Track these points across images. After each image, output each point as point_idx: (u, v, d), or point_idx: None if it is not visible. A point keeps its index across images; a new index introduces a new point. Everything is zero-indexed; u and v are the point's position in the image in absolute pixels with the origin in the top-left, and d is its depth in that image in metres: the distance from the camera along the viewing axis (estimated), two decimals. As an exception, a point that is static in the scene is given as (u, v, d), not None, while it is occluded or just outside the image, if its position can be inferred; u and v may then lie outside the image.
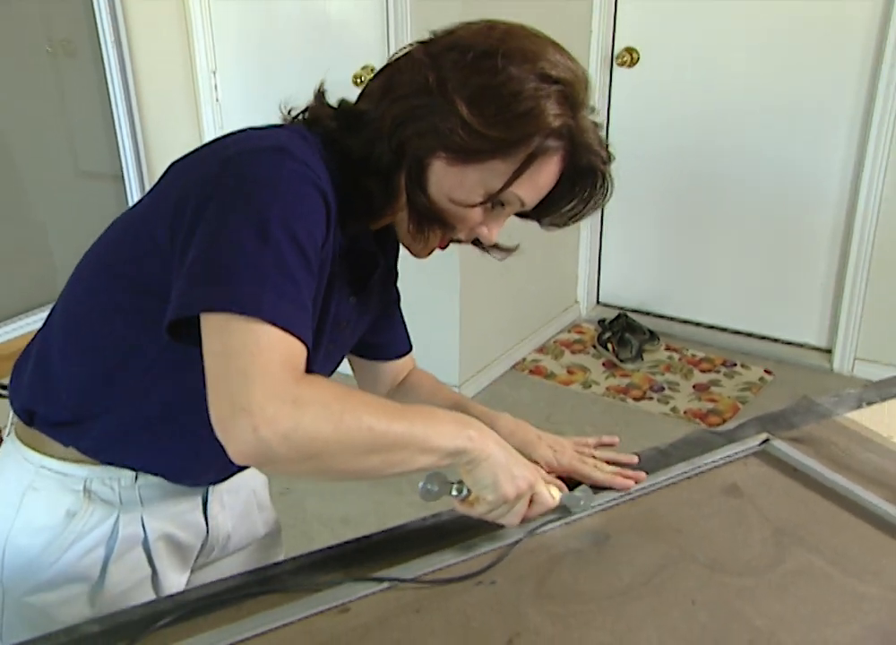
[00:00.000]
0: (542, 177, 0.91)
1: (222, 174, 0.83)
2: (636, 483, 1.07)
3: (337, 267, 0.92)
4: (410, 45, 0.93)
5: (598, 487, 1.06)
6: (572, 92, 0.88)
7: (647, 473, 1.09)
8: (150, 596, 1.03)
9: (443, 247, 0.99)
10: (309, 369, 0.82)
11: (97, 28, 2.58)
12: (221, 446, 0.77)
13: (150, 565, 1.03)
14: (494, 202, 0.92)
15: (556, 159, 0.90)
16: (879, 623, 0.87)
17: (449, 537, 0.98)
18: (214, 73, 2.95)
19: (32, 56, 2.52)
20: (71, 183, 2.72)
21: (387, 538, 1.00)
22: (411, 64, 0.90)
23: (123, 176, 2.77)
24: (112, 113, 2.69)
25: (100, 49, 2.60)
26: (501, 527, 0.97)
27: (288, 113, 0.97)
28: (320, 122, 0.93)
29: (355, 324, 1.04)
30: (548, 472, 1.06)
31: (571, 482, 1.06)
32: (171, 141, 2.92)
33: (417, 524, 1.03)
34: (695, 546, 0.98)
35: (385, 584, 0.92)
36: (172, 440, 0.97)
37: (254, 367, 0.75)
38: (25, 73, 2.51)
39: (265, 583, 0.93)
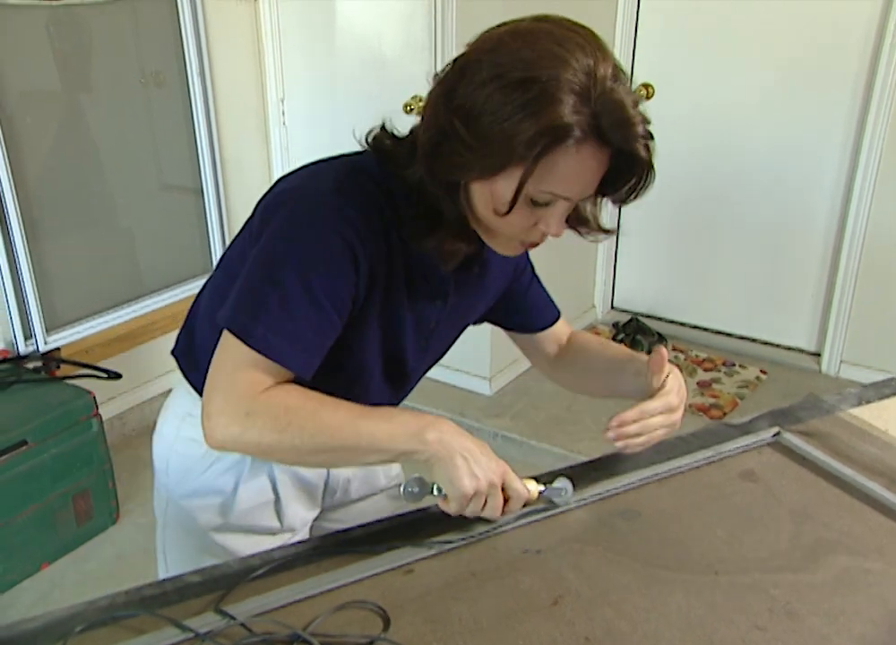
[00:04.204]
0: (564, 170, 0.80)
1: (273, 216, 0.88)
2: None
3: (402, 280, 0.93)
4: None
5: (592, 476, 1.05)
6: (559, 86, 0.76)
7: (671, 458, 1.08)
8: (273, 520, 1.08)
9: (535, 244, 0.91)
10: (401, 364, 0.96)
11: (184, 62, 2.61)
12: None
13: (274, 492, 1.07)
14: (534, 203, 0.83)
15: (572, 150, 0.78)
16: (881, 594, 0.87)
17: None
18: (282, 100, 2.97)
19: (127, 86, 2.54)
20: (156, 195, 2.74)
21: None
22: (430, 93, 0.86)
23: (202, 190, 2.79)
24: (194, 134, 2.72)
25: (186, 80, 2.63)
26: (489, 521, 0.94)
27: (366, 139, 0.93)
28: (385, 154, 0.91)
29: (447, 321, 1.03)
30: None
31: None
32: (244, 160, 2.95)
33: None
34: (716, 523, 0.98)
35: (445, 547, 0.92)
36: None
37: (223, 382, 0.86)
38: (121, 101, 2.54)
39: (340, 545, 0.94)
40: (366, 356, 0.98)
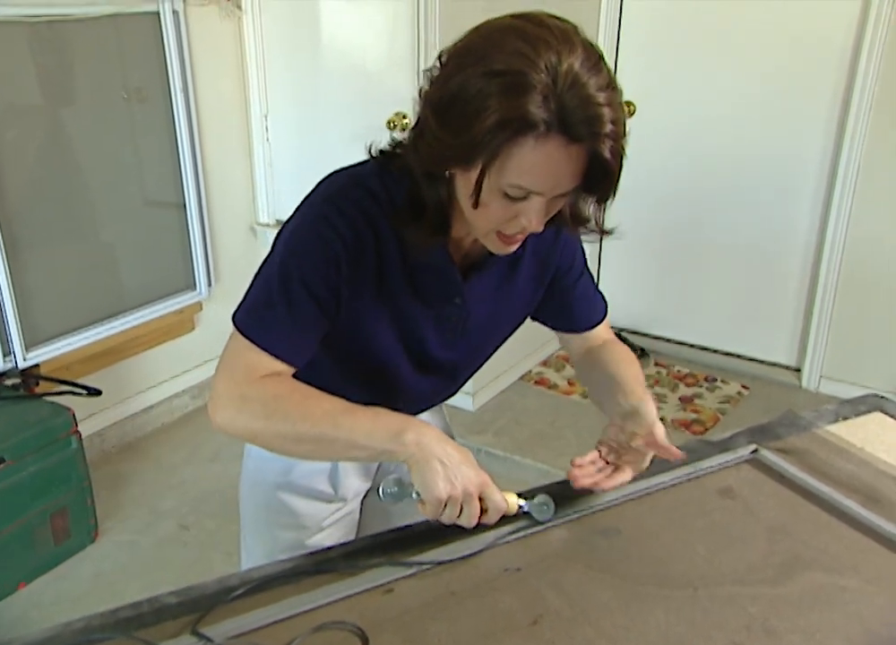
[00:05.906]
0: (528, 163, 0.81)
1: (284, 228, 0.98)
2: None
3: (407, 283, 0.97)
4: None
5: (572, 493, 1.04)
6: (520, 80, 0.77)
7: (650, 476, 1.09)
8: (328, 487, 1.15)
9: (512, 237, 0.91)
10: (428, 356, 1.02)
11: (168, 78, 2.60)
12: (377, 402, 0.94)
13: (332, 462, 1.14)
14: (508, 197, 0.84)
15: (532, 143, 0.79)
16: (857, 611, 0.88)
17: (479, 528, 0.98)
18: (266, 116, 2.98)
19: (110, 102, 2.53)
20: (139, 210, 2.73)
21: (425, 529, 1.00)
22: (419, 89, 0.89)
23: (185, 205, 2.78)
24: (177, 150, 2.71)
25: (169, 96, 2.62)
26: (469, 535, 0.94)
27: (379, 150, 0.97)
28: (388, 157, 0.96)
29: (477, 317, 1.05)
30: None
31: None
32: (227, 175, 2.94)
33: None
34: (696, 540, 0.99)
35: (424, 567, 0.92)
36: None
37: (224, 368, 0.95)
38: (104, 116, 2.53)
39: (319, 565, 0.94)
40: (385, 350, 1.02)
